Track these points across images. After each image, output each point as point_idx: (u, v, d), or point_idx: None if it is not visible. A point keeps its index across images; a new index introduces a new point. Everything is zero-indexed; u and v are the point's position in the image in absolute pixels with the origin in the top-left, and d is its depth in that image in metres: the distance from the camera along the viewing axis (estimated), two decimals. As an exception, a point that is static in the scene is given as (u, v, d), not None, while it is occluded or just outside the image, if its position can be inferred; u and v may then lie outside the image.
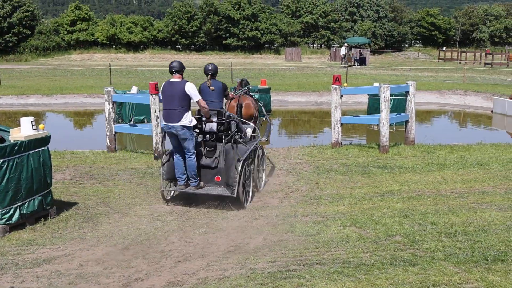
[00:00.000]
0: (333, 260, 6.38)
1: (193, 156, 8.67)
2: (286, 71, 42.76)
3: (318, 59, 60.50)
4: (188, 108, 8.57)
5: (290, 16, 72.10)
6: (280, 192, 9.64)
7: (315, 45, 74.06)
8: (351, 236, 7.18)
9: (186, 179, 8.79)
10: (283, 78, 35.33)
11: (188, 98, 8.50)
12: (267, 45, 69.27)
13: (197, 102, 8.65)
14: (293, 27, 68.78)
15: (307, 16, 70.88)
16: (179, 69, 8.63)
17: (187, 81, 8.57)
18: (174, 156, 8.84)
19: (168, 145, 9.47)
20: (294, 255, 6.60)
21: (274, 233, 7.45)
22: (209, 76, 9.80)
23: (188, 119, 8.52)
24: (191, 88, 8.48)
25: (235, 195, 8.48)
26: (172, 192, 9.24)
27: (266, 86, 21.12)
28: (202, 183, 8.85)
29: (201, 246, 7.01)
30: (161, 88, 8.79)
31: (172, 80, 8.63)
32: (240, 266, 6.28)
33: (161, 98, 8.89)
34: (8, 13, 58.27)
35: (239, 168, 8.50)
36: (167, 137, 8.88)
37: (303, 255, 6.61)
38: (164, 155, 9.12)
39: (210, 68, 9.87)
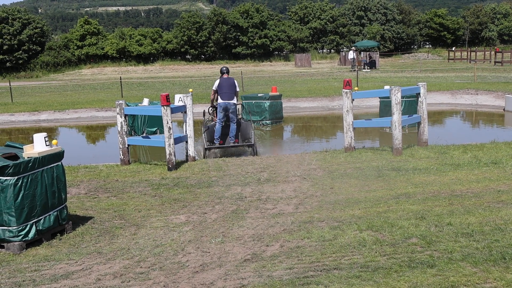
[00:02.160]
0: (350, 265, 6.35)
1: (235, 123, 14.73)
2: (297, 77, 42.78)
3: (328, 64, 60.51)
4: (235, 93, 14.63)
5: (299, 22, 72.24)
6: (295, 198, 9.62)
7: (324, 50, 74.11)
8: (367, 240, 7.13)
9: (219, 140, 14.71)
10: (293, 84, 35.35)
11: (235, 87, 14.65)
12: (276, 52, 69.43)
13: (237, 91, 14.75)
14: (302, 33, 68.87)
15: (315, 21, 70.96)
16: (228, 71, 15.05)
17: (234, 78, 14.88)
18: (217, 124, 14.66)
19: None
20: (312, 261, 6.57)
21: (290, 239, 7.43)
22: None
23: (235, 100, 14.59)
24: (236, 83, 14.76)
25: (253, 143, 14.41)
26: (211, 150, 14.77)
27: (277, 93, 21.17)
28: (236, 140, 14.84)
29: (218, 256, 6.99)
30: (219, 81, 14.69)
31: (225, 77, 14.71)
32: (257, 274, 6.26)
33: (215, 88, 14.81)
34: (18, 31, 58.88)
35: (252, 129, 14.87)
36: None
37: (321, 260, 6.57)
38: (204, 127, 14.99)
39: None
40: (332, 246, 7.04)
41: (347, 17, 73.80)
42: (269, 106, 20.28)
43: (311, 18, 71.75)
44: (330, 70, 49.72)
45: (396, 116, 12.75)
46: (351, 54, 48.11)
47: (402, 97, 13.46)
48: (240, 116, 16.22)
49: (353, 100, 13.48)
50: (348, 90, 13.34)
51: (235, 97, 14.59)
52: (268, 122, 20.24)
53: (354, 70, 42.66)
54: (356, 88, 14.68)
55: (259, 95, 21.11)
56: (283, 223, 8.18)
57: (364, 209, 8.67)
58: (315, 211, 8.74)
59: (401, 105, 13.17)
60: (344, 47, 70.25)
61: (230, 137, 14.91)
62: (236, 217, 8.67)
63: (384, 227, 7.61)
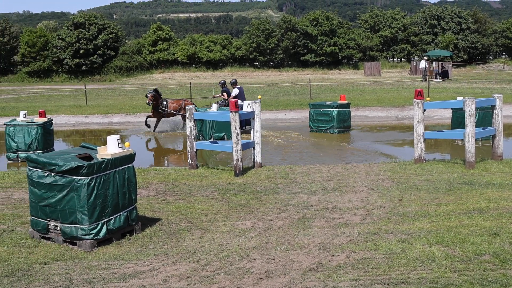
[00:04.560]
0: (419, 280, 6.19)
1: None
2: (365, 86, 42.31)
3: (398, 73, 59.54)
4: None
5: (369, 30, 71.44)
6: (362, 209, 9.48)
7: (394, 59, 72.97)
8: (437, 255, 6.94)
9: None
10: (362, 93, 34.98)
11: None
12: (345, 60, 68.88)
13: None
14: (372, 41, 68.08)
15: (386, 30, 69.99)
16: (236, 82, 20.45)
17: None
18: None
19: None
20: (378, 274, 6.45)
21: (357, 250, 7.32)
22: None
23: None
24: None
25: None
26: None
27: (346, 102, 20.97)
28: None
29: (283, 263, 6.97)
30: (238, 91, 19.63)
31: (238, 87, 19.17)
32: (322, 284, 6.19)
33: (234, 94, 19.72)
34: (94, 36, 60.84)
35: None
36: None
37: (388, 273, 6.44)
38: None
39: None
40: (399, 260, 6.89)
41: (419, 25, 72.34)
42: (337, 115, 20.11)
43: (382, 27, 70.80)
44: (400, 80, 48.90)
45: (470, 128, 12.37)
46: (423, 64, 47.11)
47: (476, 108, 13.06)
48: None
49: (424, 110, 13.19)
50: (419, 100, 13.06)
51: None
52: (335, 130, 20.08)
53: (426, 80, 41.77)
54: (427, 99, 14.34)
55: (327, 103, 20.97)
56: (350, 234, 8.07)
57: (434, 222, 8.45)
58: (383, 223, 8.58)
59: (475, 117, 12.77)
60: (416, 56, 68.87)
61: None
62: (302, 225, 8.62)
63: (455, 242, 7.38)
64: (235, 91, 20.57)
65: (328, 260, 7.04)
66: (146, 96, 21.48)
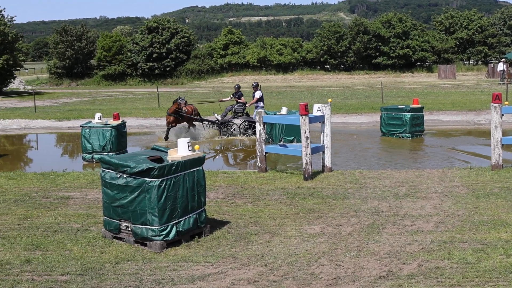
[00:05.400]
0: (495, 292, 5.92)
1: None
2: (440, 89, 41.27)
3: (474, 76, 57.76)
4: None
5: (443, 32, 69.56)
6: (435, 216, 9.19)
7: (470, 62, 70.77)
8: (515, 267, 6.63)
9: None
10: (436, 96, 34.12)
11: None
12: (419, 63, 67.37)
13: None
14: (447, 43, 66.28)
15: (461, 31, 67.96)
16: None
17: None
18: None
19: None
20: (452, 284, 6.22)
21: (429, 259, 7.09)
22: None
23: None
24: None
25: None
26: None
27: (419, 105, 20.48)
28: None
29: (352, 270, 6.84)
30: (261, 93, 20.42)
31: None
32: (393, 294, 6.02)
33: (258, 96, 20.44)
34: (166, 40, 62.04)
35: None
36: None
37: (462, 284, 6.21)
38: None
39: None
40: (474, 270, 6.64)
41: (497, 27, 69.92)
42: (410, 119, 19.64)
43: (457, 28, 68.79)
44: (476, 83, 47.42)
45: (551, 133, 11.80)
46: (501, 66, 45.46)
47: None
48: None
49: (502, 115, 12.69)
50: (497, 104, 12.57)
51: None
52: (408, 135, 19.62)
53: (504, 83, 40.30)
54: (506, 103, 13.78)
55: (399, 106, 20.53)
56: (422, 241, 7.84)
57: (512, 232, 8.10)
58: (457, 231, 8.29)
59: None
60: (493, 59, 66.59)
61: None
62: (372, 232, 8.44)
63: (535, 253, 7.03)
64: (258, 93, 20.55)
65: (399, 268, 6.86)
66: (177, 101, 20.26)
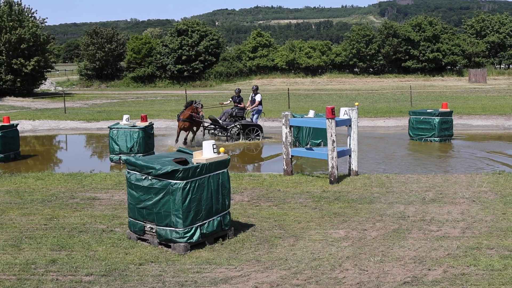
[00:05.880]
0: (523, 301, 5.81)
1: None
2: (470, 93, 40.72)
3: (505, 81, 56.86)
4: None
5: (474, 36, 68.64)
6: (462, 221, 9.06)
7: (502, 66, 69.68)
8: (544, 275, 6.49)
9: None
10: (466, 101, 33.68)
11: None
12: (449, 67, 66.57)
13: None
14: (478, 47, 65.36)
15: (493, 35, 66.99)
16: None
17: None
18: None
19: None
20: (478, 292, 6.12)
21: (455, 265, 6.99)
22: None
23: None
24: None
25: None
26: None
27: (448, 110, 20.24)
28: None
29: (376, 275, 6.77)
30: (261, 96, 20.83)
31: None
32: (417, 300, 5.95)
33: (259, 99, 20.83)
34: (196, 42, 62.35)
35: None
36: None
37: (488, 292, 6.10)
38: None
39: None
40: (501, 277, 6.53)
41: (529, 30, 68.79)
42: (439, 123, 19.42)
43: (489, 32, 67.83)
44: (507, 87, 46.67)
45: None
46: (533, 70, 44.74)
47: None
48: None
49: (533, 120, 12.45)
50: (528, 109, 12.34)
51: None
52: (436, 139, 19.40)
53: (535, 88, 39.62)
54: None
55: (428, 110, 20.31)
56: (448, 247, 7.74)
57: (541, 240, 7.93)
58: (484, 237, 8.16)
59: None
60: (525, 63, 65.54)
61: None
62: (397, 237, 8.36)
63: None
64: (259, 96, 20.96)
65: (424, 274, 6.78)
66: (192, 105, 19.50)
